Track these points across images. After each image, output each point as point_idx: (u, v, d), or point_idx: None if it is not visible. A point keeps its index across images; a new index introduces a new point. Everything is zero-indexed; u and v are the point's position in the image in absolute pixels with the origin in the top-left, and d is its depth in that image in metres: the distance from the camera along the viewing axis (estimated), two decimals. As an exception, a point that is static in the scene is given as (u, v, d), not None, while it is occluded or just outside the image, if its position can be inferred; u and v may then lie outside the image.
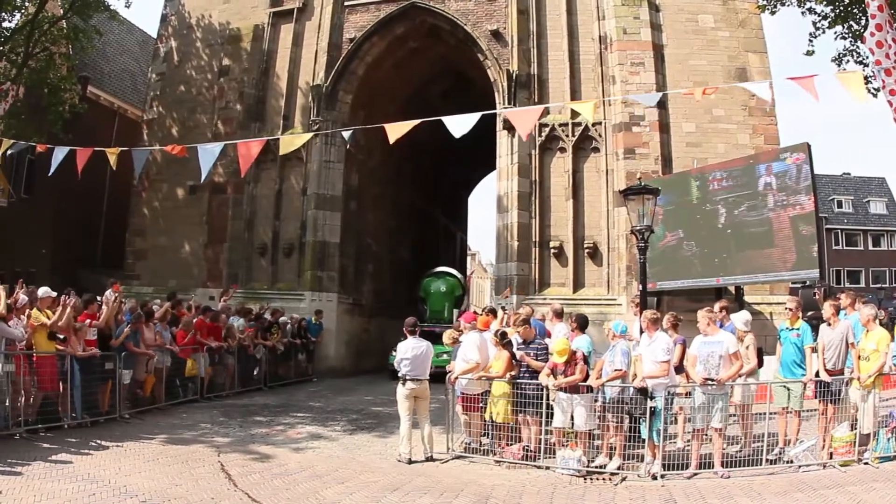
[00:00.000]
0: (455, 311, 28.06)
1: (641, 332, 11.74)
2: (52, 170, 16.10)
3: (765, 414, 11.69)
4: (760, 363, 12.63)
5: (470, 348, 12.39)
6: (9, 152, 16.95)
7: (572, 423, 11.31)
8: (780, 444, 11.49)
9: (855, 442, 10.69)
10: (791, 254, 18.07)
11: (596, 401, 11.25)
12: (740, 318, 12.68)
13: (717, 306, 13.38)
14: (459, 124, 13.72)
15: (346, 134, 18.65)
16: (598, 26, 24.74)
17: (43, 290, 13.71)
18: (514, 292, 22.75)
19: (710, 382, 10.82)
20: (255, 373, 20.86)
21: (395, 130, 14.10)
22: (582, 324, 12.48)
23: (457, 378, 12.33)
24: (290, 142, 15.67)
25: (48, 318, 13.16)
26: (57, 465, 10.29)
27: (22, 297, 13.39)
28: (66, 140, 21.33)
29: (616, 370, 11.23)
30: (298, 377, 23.54)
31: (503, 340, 12.26)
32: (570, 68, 24.71)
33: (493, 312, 14.94)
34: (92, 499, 8.67)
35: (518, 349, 12.26)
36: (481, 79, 26.85)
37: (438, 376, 13.03)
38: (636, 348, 11.70)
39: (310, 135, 16.40)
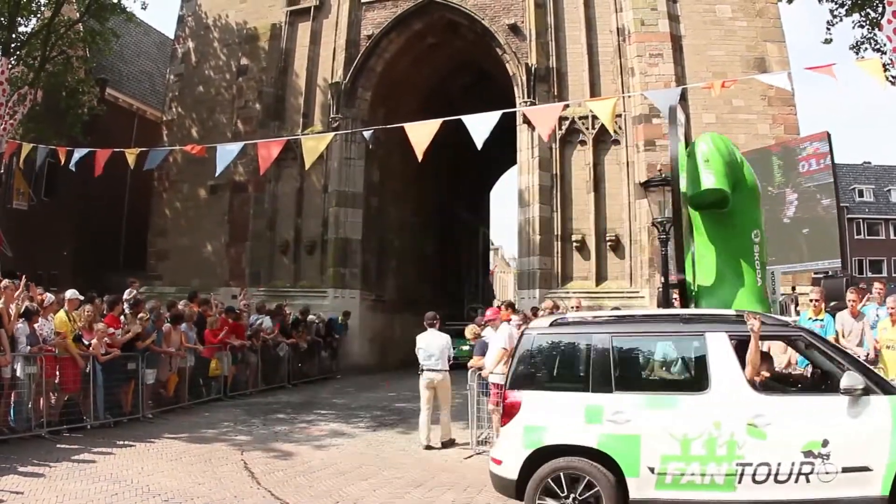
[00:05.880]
0: None
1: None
2: (73, 163, 16.07)
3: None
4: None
5: (503, 338, 12.37)
6: (28, 156, 17.04)
7: None
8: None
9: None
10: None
11: None
12: None
13: None
14: (480, 125, 13.53)
15: (367, 134, 18.56)
16: (615, 18, 24.61)
17: (70, 293, 13.83)
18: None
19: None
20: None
21: (419, 140, 13.83)
22: None
23: (490, 372, 12.28)
24: (315, 148, 15.51)
25: (74, 320, 13.32)
26: (79, 466, 10.32)
27: (48, 296, 13.50)
28: (86, 142, 21.45)
29: None
30: (322, 374, 23.49)
31: None
32: (589, 61, 24.56)
33: (511, 306, 14.94)
34: (114, 499, 8.69)
35: None
36: (501, 73, 26.80)
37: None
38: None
39: (330, 136, 16.27)
